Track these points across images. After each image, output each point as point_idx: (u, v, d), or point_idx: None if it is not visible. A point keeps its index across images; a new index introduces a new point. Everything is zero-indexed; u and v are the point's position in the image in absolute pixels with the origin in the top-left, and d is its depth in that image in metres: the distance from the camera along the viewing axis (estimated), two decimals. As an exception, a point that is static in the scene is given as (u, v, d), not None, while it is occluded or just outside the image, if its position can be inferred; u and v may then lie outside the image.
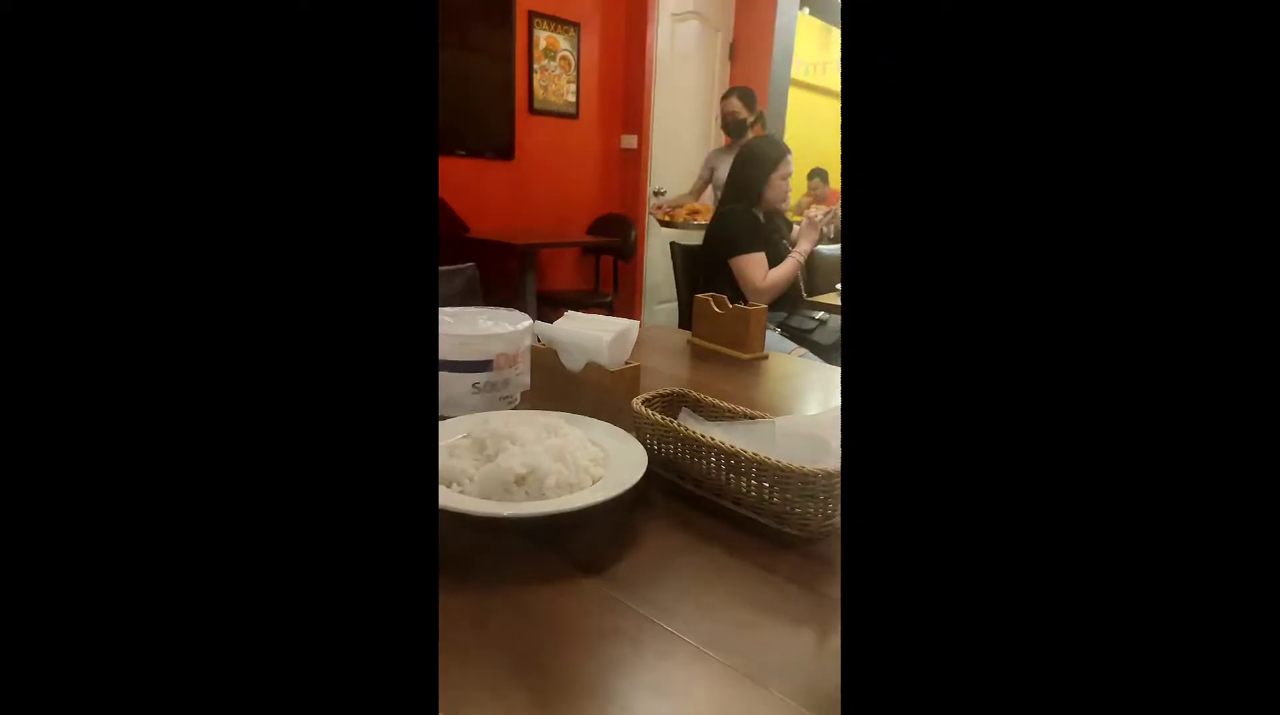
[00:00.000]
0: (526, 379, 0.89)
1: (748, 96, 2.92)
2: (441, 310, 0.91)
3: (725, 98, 2.95)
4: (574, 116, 3.37)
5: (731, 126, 2.94)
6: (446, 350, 0.82)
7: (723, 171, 2.67)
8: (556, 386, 0.86)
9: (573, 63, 3.31)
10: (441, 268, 1.37)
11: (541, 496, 0.57)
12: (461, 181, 2.94)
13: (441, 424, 0.71)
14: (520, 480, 0.58)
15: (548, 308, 2.91)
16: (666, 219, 2.74)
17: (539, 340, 0.88)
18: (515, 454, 0.59)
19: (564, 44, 3.26)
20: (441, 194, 2.82)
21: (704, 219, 2.53)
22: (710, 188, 3.05)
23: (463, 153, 2.96)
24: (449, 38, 2.83)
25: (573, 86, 3.33)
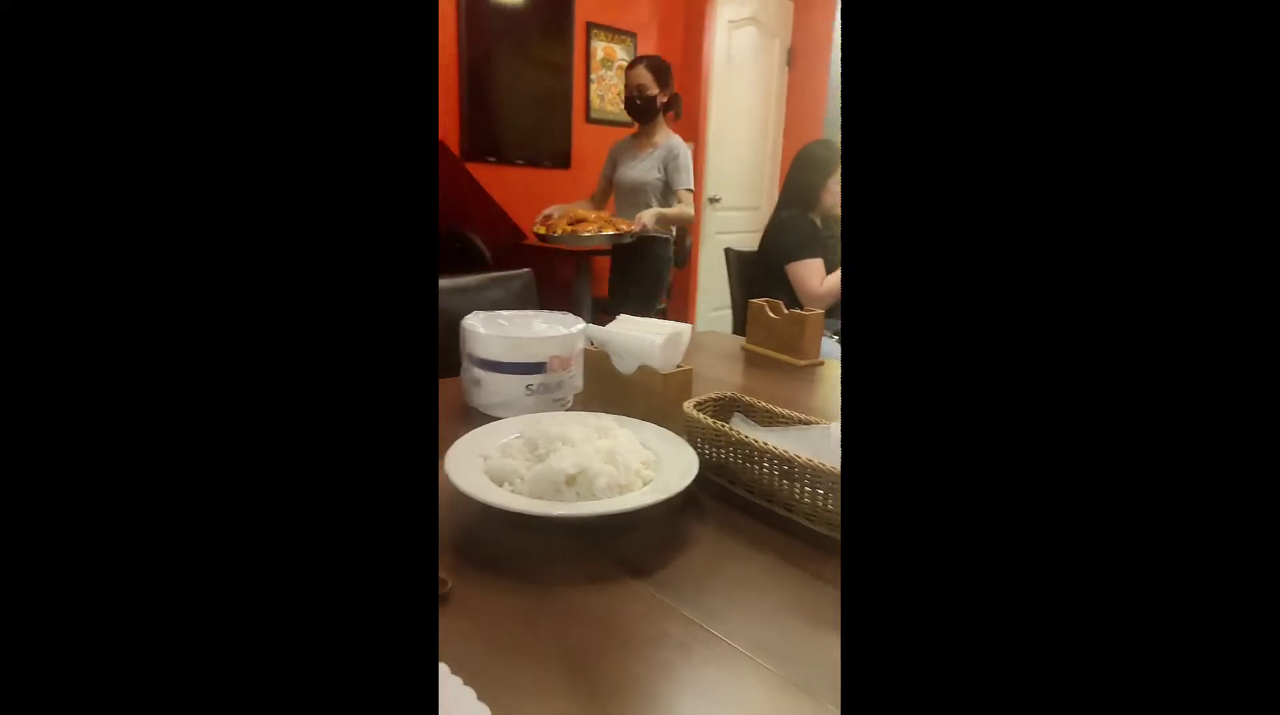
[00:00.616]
0: (579, 381, 0.89)
1: (661, 70, 2.19)
2: (496, 313, 0.93)
3: (631, 67, 2.18)
4: (630, 124, 3.40)
5: (640, 106, 2.18)
6: (501, 352, 0.84)
7: (626, 169, 2.25)
8: (608, 389, 0.86)
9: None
10: (497, 273, 1.40)
11: (592, 497, 0.57)
12: (519, 190, 2.99)
13: (495, 424, 0.72)
14: (571, 481, 0.58)
15: (601, 313, 2.93)
16: (542, 232, 2.09)
17: (591, 343, 0.88)
18: (566, 455, 0.60)
19: (620, 54, 3.30)
20: (499, 201, 2.88)
21: (592, 229, 2.05)
22: (614, 190, 2.35)
23: (520, 162, 3.02)
24: (509, 51, 2.90)
25: (629, 95, 3.36)
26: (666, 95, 2.21)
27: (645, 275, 2.27)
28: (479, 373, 0.85)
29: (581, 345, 0.89)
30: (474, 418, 0.84)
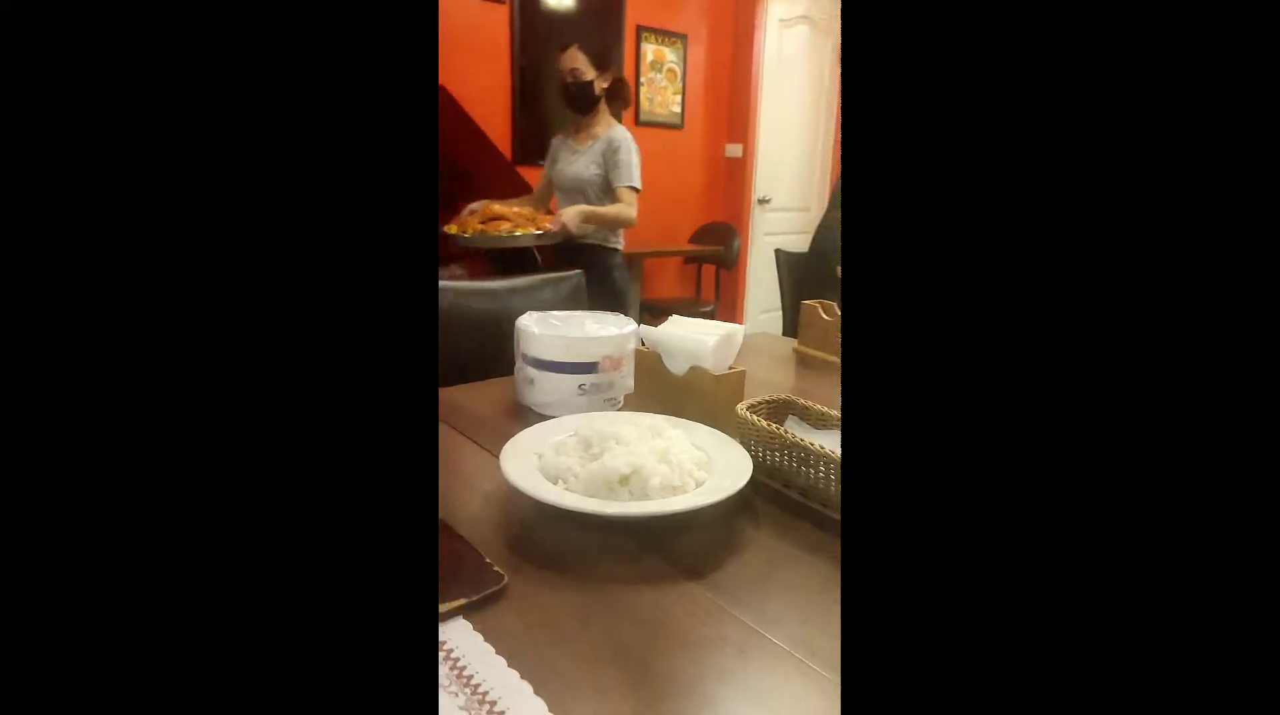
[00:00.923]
0: (630, 381, 0.90)
1: (597, 51, 1.91)
2: (550, 314, 0.94)
3: (564, 50, 1.89)
4: (679, 127, 3.39)
5: (574, 94, 1.89)
6: (554, 352, 0.85)
7: (564, 165, 1.96)
8: (660, 389, 0.86)
9: (679, 74, 3.34)
10: (549, 274, 1.41)
11: (645, 497, 0.57)
12: (569, 193, 3.02)
13: (548, 422, 0.72)
14: (624, 480, 0.58)
15: (650, 316, 2.93)
16: (453, 231, 1.83)
17: (643, 343, 0.88)
18: (620, 454, 0.60)
19: (670, 56, 3.30)
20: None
21: (505, 229, 1.80)
22: (554, 186, 2.04)
23: (571, 165, 3.05)
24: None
25: (678, 97, 3.36)
26: (606, 80, 1.90)
27: (599, 292, 1.78)
28: (532, 372, 0.86)
29: (633, 345, 0.89)
30: (527, 416, 0.85)
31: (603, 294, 1.87)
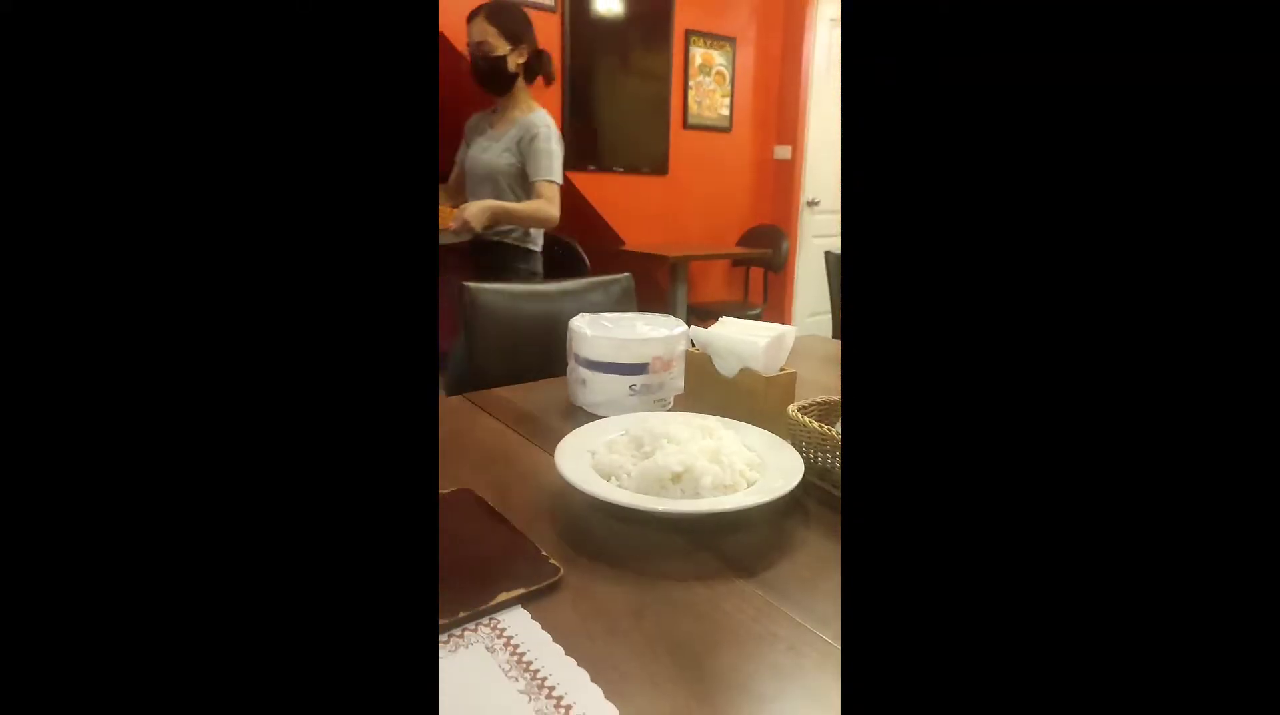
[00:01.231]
0: (681, 382, 0.90)
1: (508, 19, 1.58)
2: (601, 315, 0.95)
3: (470, 19, 1.58)
4: (727, 130, 3.38)
5: (484, 71, 1.59)
6: (605, 353, 0.86)
7: (476, 152, 1.66)
8: (710, 391, 0.86)
9: (727, 77, 3.33)
10: (598, 278, 1.43)
11: (697, 495, 0.58)
12: (616, 197, 3.05)
13: (600, 422, 0.74)
14: (676, 478, 0.59)
15: (697, 318, 2.93)
16: None
17: (694, 345, 0.89)
18: (672, 452, 0.60)
19: (719, 59, 3.30)
20: (598, 208, 2.95)
21: None
22: (465, 175, 1.73)
23: (619, 169, 3.08)
24: (609, 62, 2.96)
25: (727, 100, 3.35)
26: (523, 55, 1.60)
27: None
28: (584, 372, 0.88)
29: (684, 347, 0.90)
30: (579, 416, 0.87)
31: None
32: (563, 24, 2.83)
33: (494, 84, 1.62)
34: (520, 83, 1.63)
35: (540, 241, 1.74)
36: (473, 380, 1.16)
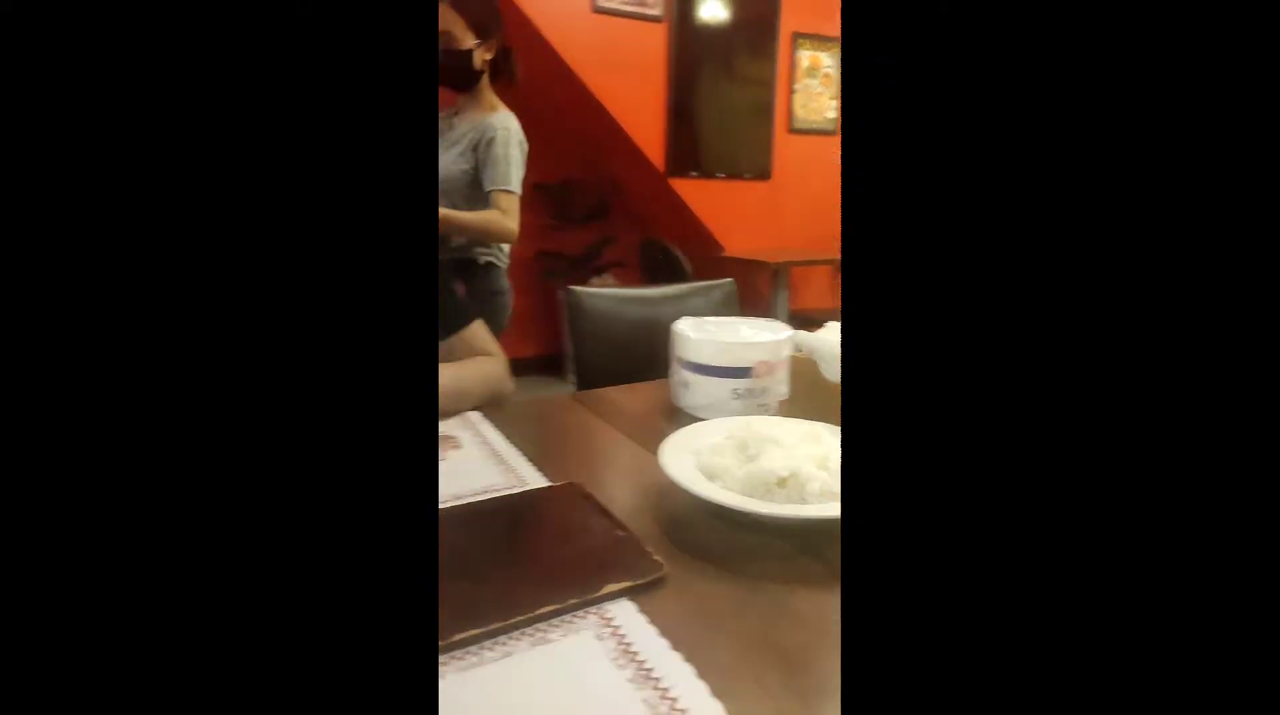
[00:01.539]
0: (785, 388, 0.89)
1: (476, 8, 1.41)
2: (705, 319, 0.96)
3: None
4: (832, 133, 3.31)
5: (447, 65, 1.40)
6: (709, 356, 0.86)
7: (451, 157, 1.47)
8: (815, 397, 0.85)
9: (834, 79, 3.26)
10: (700, 282, 1.44)
11: (802, 501, 0.57)
12: (718, 202, 3.05)
13: (703, 424, 0.74)
14: (782, 482, 0.58)
15: (798, 324, 2.87)
16: None
17: (799, 350, 0.87)
18: (778, 457, 0.60)
19: (826, 61, 3.23)
20: (700, 214, 2.96)
21: None
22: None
23: (721, 175, 3.08)
24: (713, 68, 2.97)
25: (833, 103, 3.28)
26: (490, 51, 1.43)
27: (478, 314, 1.20)
28: (687, 375, 0.88)
29: (788, 352, 0.89)
30: (681, 418, 0.88)
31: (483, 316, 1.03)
32: (670, 33, 2.87)
33: (455, 79, 1.43)
34: (485, 81, 1.46)
35: (502, 255, 1.56)
36: (579, 381, 1.20)
